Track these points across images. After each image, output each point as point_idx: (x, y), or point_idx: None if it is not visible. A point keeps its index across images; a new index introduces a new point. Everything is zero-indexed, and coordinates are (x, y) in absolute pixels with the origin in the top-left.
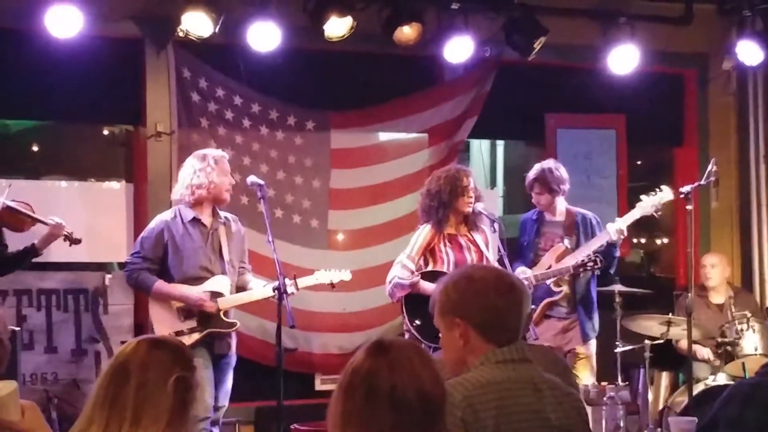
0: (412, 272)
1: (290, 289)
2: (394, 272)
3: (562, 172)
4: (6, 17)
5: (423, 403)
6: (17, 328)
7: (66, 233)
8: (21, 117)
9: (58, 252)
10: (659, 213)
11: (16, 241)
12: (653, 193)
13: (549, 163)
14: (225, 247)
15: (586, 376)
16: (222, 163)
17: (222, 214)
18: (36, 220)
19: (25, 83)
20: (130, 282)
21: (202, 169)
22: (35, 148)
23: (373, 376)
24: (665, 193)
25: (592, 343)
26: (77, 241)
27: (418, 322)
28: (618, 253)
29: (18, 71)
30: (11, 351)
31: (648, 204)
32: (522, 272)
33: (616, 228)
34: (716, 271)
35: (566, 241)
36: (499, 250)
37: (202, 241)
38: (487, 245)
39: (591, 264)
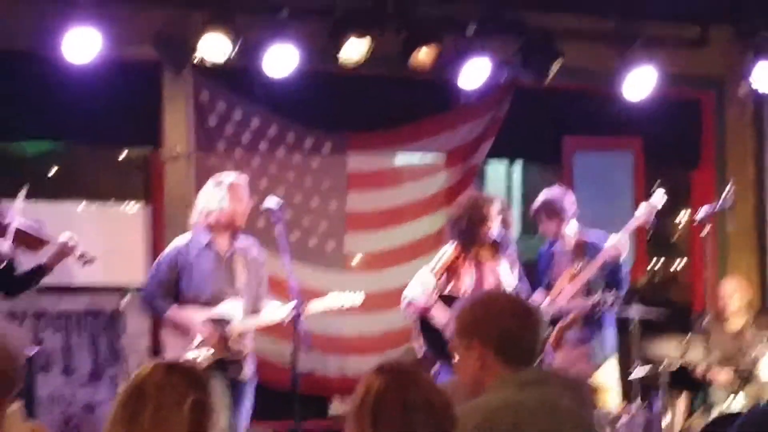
0: (431, 290)
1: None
2: (411, 290)
3: (567, 199)
4: (25, 40)
5: (434, 420)
6: (34, 350)
7: (78, 253)
8: (39, 139)
9: (75, 274)
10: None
11: (30, 262)
12: (648, 203)
13: (553, 191)
14: (241, 273)
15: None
16: (237, 189)
17: (242, 240)
18: (46, 241)
19: (44, 105)
20: (144, 306)
21: (215, 195)
22: (53, 171)
23: (384, 395)
24: (656, 198)
25: (612, 370)
26: (91, 261)
27: (432, 340)
28: (624, 274)
29: (37, 93)
30: (28, 374)
31: (642, 212)
32: (538, 300)
33: (611, 244)
34: (736, 298)
35: (575, 264)
36: (516, 276)
37: (216, 266)
38: (510, 271)
39: (612, 299)
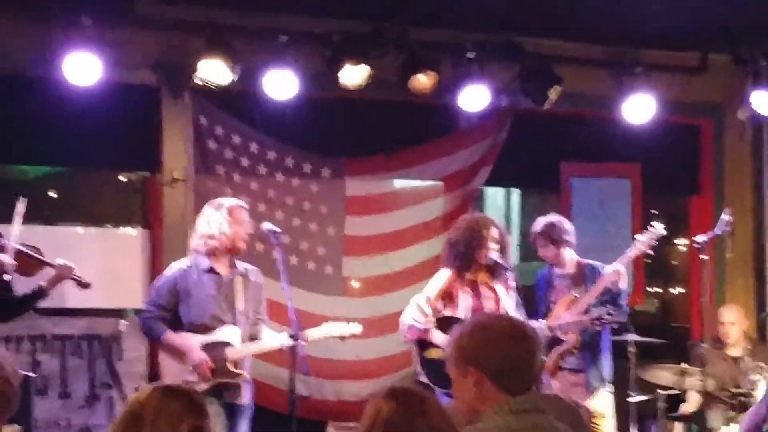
0: (427, 316)
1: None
2: (409, 314)
3: (566, 225)
4: (25, 64)
5: None
6: (32, 374)
7: (75, 276)
8: (38, 163)
9: (72, 298)
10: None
11: (24, 286)
12: (647, 231)
13: (551, 217)
14: (240, 297)
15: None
16: (236, 213)
17: (241, 265)
18: (44, 264)
19: (43, 129)
20: (143, 329)
21: (215, 220)
22: (52, 194)
23: (393, 420)
24: (657, 229)
25: (607, 399)
26: (87, 285)
27: (429, 366)
28: (624, 301)
29: (36, 118)
30: (25, 397)
31: (641, 241)
32: (535, 324)
33: (611, 270)
34: (735, 328)
35: (574, 291)
36: (514, 299)
37: (215, 290)
38: (508, 293)
39: (608, 318)
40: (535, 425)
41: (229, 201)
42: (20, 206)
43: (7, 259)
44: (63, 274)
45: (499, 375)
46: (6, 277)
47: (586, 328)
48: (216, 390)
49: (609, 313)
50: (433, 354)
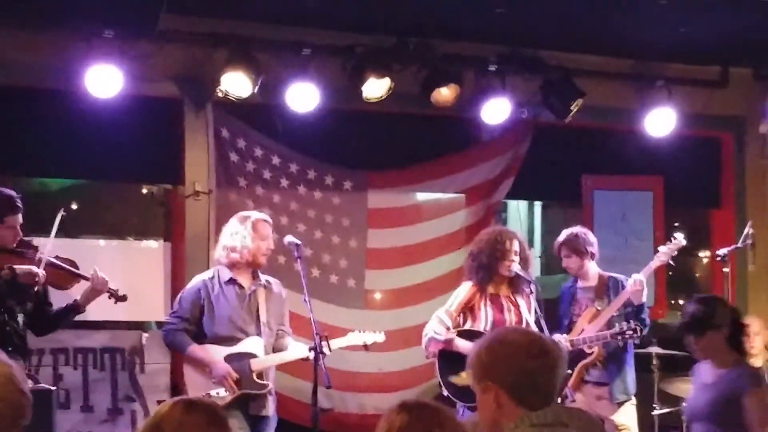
0: (448, 328)
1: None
2: (431, 326)
3: (590, 236)
4: (47, 77)
5: None
6: (53, 387)
7: (111, 290)
8: (60, 176)
9: (95, 311)
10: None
11: (59, 299)
12: (669, 243)
13: (576, 228)
14: (263, 309)
15: None
16: (260, 227)
17: (263, 277)
18: (79, 277)
19: (65, 142)
20: (167, 341)
21: (238, 233)
22: (74, 207)
23: None
24: (679, 241)
25: (631, 412)
26: (123, 298)
27: (452, 379)
28: (646, 314)
29: (58, 130)
30: (47, 410)
31: (663, 253)
32: (558, 338)
33: (633, 280)
34: (759, 338)
35: (597, 304)
36: (535, 312)
37: (238, 301)
38: (529, 308)
39: (630, 332)
40: None
41: (255, 215)
42: (58, 218)
43: (36, 270)
44: (98, 288)
45: (517, 390)
46: (38, 288)
47: (608, 342)
48: (241, 401)
49: (632, 329)
50: (459, 381)
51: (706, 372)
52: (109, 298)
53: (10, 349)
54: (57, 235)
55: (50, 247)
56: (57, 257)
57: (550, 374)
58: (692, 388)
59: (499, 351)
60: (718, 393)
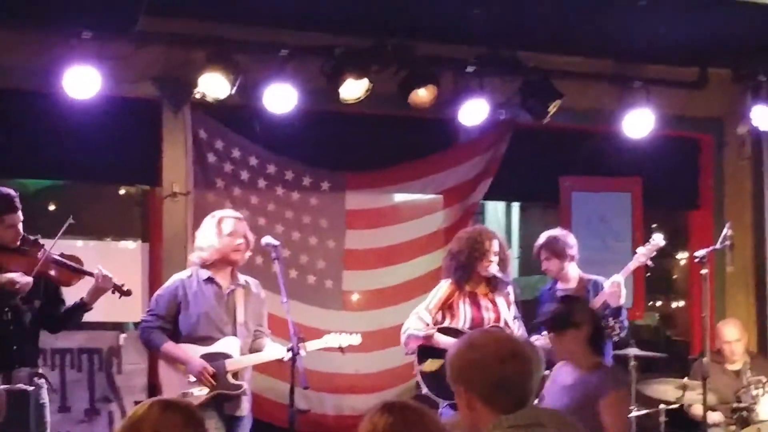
0: (428, 324)
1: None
2: (410, 323)
3: (569, 239)
4: (26, 78)
5: None
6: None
7: (116, 285)
8: (39, 177)
9: None
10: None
11: (72, 296)
12: (648, 244)
13: (556, 230)
14: (240, 309)
15: None
16: (224, 225)
17: (242, 277)
18: (83, 273)
19: (43, 143)
20: (143, 340)
21: (205, 233)
22: (52, 208)
23: None
24: (657, 241)
25: None
26: (128, 293)
27: (431, 377)
28: (624, 317)
29: (36, 131)
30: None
31: (642, 254)
32: (536, 339)
33: (611, 281)
34: (740, 344)
35: None
36: (513, 313)
37: (216, 300)
38: (508, 306)
39: (608, 331)
40: None
41: (220, 213)
42: (66, 225)
43: (18, 279)
44: (103, 285)
45: (488, 395)
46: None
47: None
48: (216, 401)
49: (610, 326)
50: (427, 368)
51: (566, 374)
52: (113, 293)
53: (15, 348)
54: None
55: (51, 245)
56: (62, 254)
57: (521, 378)
58: (550, 391)
59: (468, 356)
60: (577, 396)
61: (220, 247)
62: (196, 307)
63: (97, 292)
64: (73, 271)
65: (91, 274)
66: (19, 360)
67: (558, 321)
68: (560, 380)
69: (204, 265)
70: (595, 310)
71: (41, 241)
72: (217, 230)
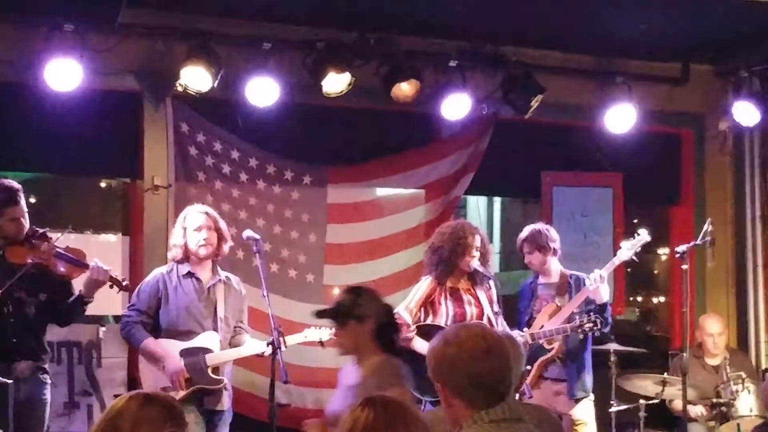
0: (408, 325)
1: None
2: None
3: (552, 232)
4: (6, 70)
5: None
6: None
7: (112, 279)
8: (18, 169)
9: None
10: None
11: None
12: (632, 238)
13: (538, 224)
14: (221, 304)
15: None
16: (189, 219)
17: (223, 273)
18: (80, 265)
19: (23, 136)
20: (123, 335)
21: (177, 228)
22: (32, 200)
23: (371, 429)
24: (642, 236)
25: (589, 408)
26: (126, 288)
27: (413, 375)
28: (608, 314)
29: (16, 124)
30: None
31: (626, 248)
32: (518, 334)
33: (594, 277)
34: (722, 338)
35: (557, 300)
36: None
37: (196, 295)
38: (490, 302)
39: (590, 326)
40: None
41: (190, 208)
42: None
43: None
44: (98, 278)
45: (464, 392)
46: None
47: (569, 335)
48: (196, 396)
49: (592, 321)
50: None
51: (350, 373)
52: (111, 288)
53: (15, 340)
54: None
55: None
56: (67, 248)
57: (497, 374)
58: (338, 394)
59: (443, 354)
60: (360, 396)
61: (185, 243)
62: (176, 302)
63: (92, 285)
64: (76, 264)
65: (88, 266)
66: (20, 353)
67: (339, 312)
68: (345, 381)
69: (176, 262)
70: (385, 303)
71: (49, 234)
72: (183, 226)
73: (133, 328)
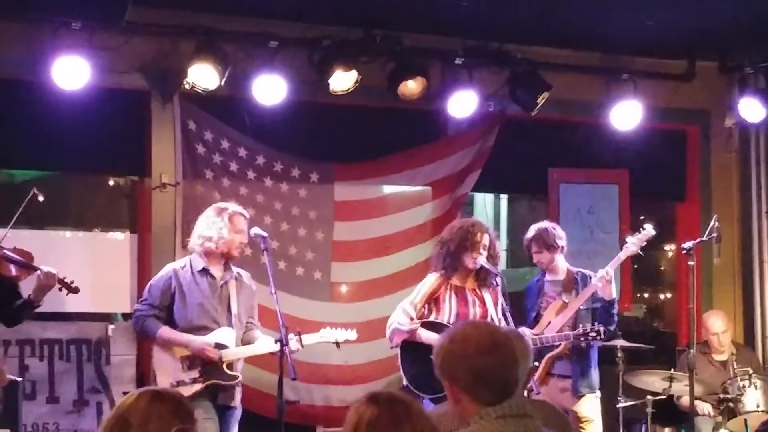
0: (412, 319)
1: (294, 346)
2: (395, 317)
3: (559, 230)
4: (14, 68)
5: None
6: (19, 378)
7: (61, 282)
8: (26, 167)
9: (60, 302)
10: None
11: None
12: (638, 233)
13: (545, 223)
14: (234, 300)
15: None
16: (236, 220)
17: (235, 269)
18: (30, 268)
19: (32, 134)
20: (136, 328)
21: (215, 223)
22: (40, 199)
23: (376, 425)
24: (648, 231)
25: (595, 405)
26: (75, 290)
27: (413, 372)
28: (615, 310)
29: (25, 122)
30: (13, 401)
31: (632, 243)
32: (523, 331)
33: (601, 274)
34: (727, 335)
35: (564, 297)
36: (501, 305)
37: (210, 292)
38: (495, 301)
39: (593, 335)
40: (522, 430)
41: (232, 207)
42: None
43: None
44: (47, 282)
45: (470, 388)
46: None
47: (571, 342)
48: (210, 391)
49: (595, 331)
50: None
51: None
52: (60, 290)
53: None
54: (24, 225)
55: (9, 236)
56: (14, 249)
57: (504, 370)
58: None
59: (450, 350)
60: None
61: (229, 242)
62: (192, 297)
63: (41, 290)
64: (24, 266)
65: (38, 269)
66: None
67: None
68: None
69: (203, 255)
70: None
71: None
72: (231, 226)
73: (147, 320)
